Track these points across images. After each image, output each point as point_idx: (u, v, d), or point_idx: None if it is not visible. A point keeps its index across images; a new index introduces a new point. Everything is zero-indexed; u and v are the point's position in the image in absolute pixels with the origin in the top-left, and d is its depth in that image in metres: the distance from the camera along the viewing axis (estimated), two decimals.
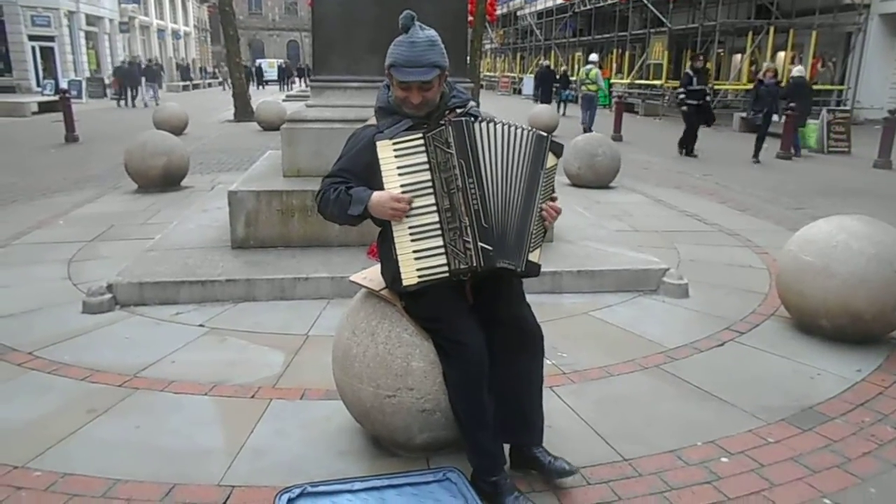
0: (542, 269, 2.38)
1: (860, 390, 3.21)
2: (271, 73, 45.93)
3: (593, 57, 17.78)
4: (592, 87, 15.83)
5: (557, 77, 22.91)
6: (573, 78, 22.30)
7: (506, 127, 2.24)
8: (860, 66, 19.18)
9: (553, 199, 2.36)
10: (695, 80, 12.23)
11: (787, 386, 3.25)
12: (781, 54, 21.38)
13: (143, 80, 26.18)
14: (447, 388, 2.35)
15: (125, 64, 26.88)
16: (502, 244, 2.22)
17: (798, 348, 3.69)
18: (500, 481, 2.28)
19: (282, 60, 49.78)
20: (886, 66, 18.41)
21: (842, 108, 16.61)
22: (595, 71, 16.21)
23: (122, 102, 25.03)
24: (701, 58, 12.93)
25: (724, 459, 2.62)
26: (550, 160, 2.29)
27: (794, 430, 2.84)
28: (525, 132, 2.26)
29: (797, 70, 13.73)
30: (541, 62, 26.91)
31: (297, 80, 44.58)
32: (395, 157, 2.21)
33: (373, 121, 2.44)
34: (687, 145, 12.38)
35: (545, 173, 2.28)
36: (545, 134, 2.30)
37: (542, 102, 20.23)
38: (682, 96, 12.33)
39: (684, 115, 12.39)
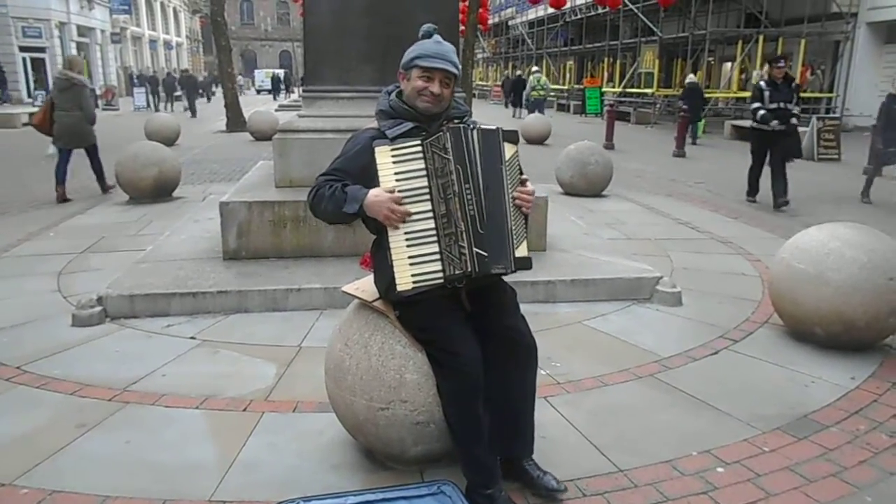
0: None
1: (854, 398, 3.21)
2: (266, 82, 46.75)
3: (536, 68, 23.36)
4: (542, 93, 19.59)
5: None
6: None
7: (474, 131, 2.23)
8: (849, 74, 19.35)
9: (523, 182, 2.35)
10: (767, 94, 7.95)
11: (781, 394, 3.24)
12: None
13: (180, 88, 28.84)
14: (441, 400, 2.33)
15: (162, 73, 30.56)
16: (494, 248, 2.22)
17: (792, 356, 3.69)
18: (494, 494, 2.26)
19: (283, 70, 50.20)
20: (874, 74, 18.58)
21: (831, 115, 16.73)
22: (543, 78, 20.09)
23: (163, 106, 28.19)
24: (783, 61, 8.17)
25: (719, 469, 2.61)
26: (508, 150, 2.28)
27: (789, 439, 2.83)
28: (485, 132, 2.25)
29: (691, 77, 16.67)
30: (513, 73, 30.10)
31: (295, 90, 44.71)
32: (393, 162, 2.20)
33: (373, 124, 2.43)
34: (752, 183, 8.58)
35: (507, 165, 2.27)
36: (494, 127, 2.29)
37: (513, 107, 24.33)
38: (761, 112, 7.95)
39: (753, 140, 8.48)
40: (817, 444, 2.80)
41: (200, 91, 33.51)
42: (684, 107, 14.23)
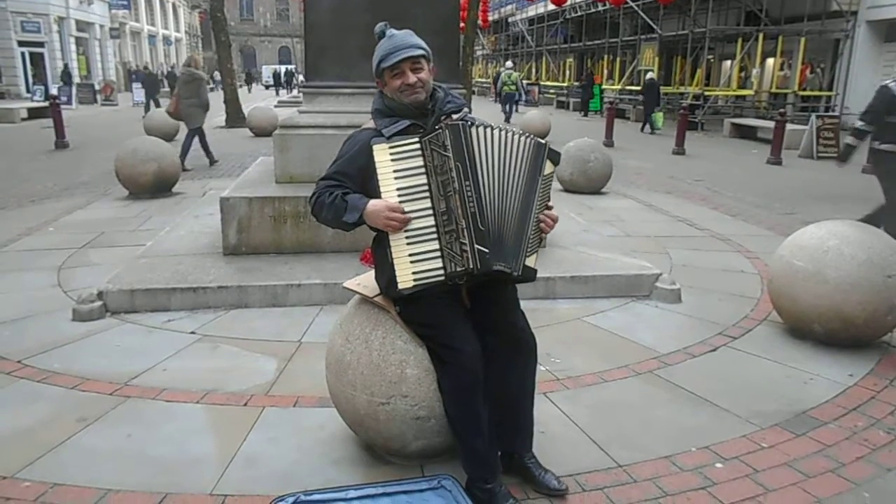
0: (536, 275, 2.38)
1: (853, 395, 3.22)
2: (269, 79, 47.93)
3: (509, 63, 24.43)
4: (512, 88, 20.62)
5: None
6: (525, 82, 29.27)
7: (504, 132, 2.25)
8: (848, 73, 19.33)
9: (549, 208, 2.36)
10: None
11: (780, 391, 3.26)
12: (771, 60, 21.53)
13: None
14: (441, 395, 2.34)
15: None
16: (499, 247, 2.22)
17: (790, 353, 3.70)
18: (494, 488, 2.27)
19: (289, 66, 50.36)
20: (874, 72, 18.54)
21: (830, 113, 16.72)
22: (515, 74, 21.27)
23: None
24: None
25: (718, 465, 2.62)
26: (548, 167, 2.31)
27: (787, 435, 2.85)
28: (524, 138, 2.27)
29: (650, 73, 18.99)
30: (502, 68, 30.67)
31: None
32: (392, 160, 2.21)
33: (370, 124, 2.44)
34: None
35: (543, 180, 2.29)
36: (543, 141, 2.31)
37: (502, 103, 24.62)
38: (858, 125, 5.85)
39: (877, 164, 6.02)
40: (815, 440, 2.81)
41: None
42: (644, 100, 16.46)
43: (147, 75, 26.31)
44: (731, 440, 2.80)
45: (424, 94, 2.36)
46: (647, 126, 17.79)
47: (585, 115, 23.35)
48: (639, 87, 24.52)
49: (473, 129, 2.21)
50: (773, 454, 2.70)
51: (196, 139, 10.34)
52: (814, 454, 2.71)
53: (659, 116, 18.10)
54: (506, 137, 2.24)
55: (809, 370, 3.49)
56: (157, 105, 21.30)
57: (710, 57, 23.33)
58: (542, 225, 2.32)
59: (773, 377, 3.42)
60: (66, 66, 28.39)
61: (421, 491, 2.30)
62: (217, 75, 31.05)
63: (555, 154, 2.33)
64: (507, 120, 19.59)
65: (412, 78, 2.33)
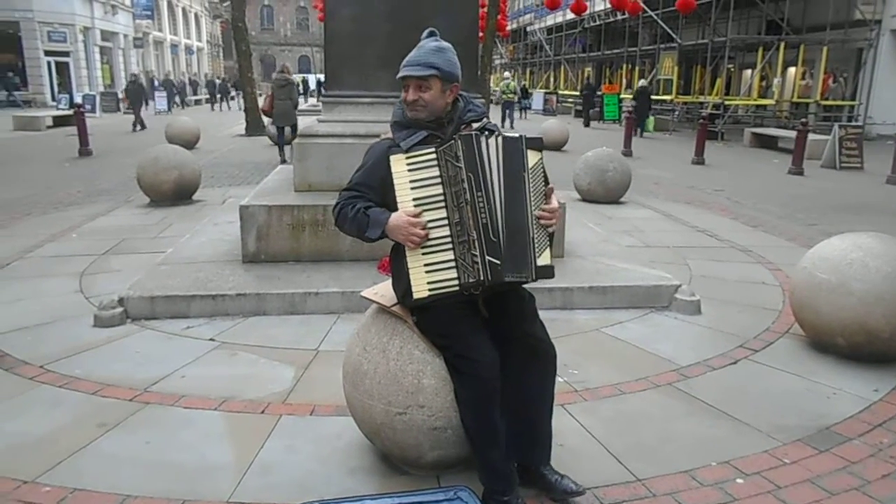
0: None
1: (878, 410, 3.16)
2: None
3: (507, 73, 26.49)
4: (511, 96, 21.73)
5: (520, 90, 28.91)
6: (531, 91, 31.69)
7: (498, 138, 2.24)
8: (872, 82, 19.10)
9: (548, 194, 2.33)
10: None
11: (802, 405, 3.20)
12: (792, 70, 21.34)
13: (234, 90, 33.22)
14: (458, 406, 2.33)
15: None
16: (510, 256, 2.21)
17: (813, 367, 3.64)
18: (511, 500, 2.26)
19: (317, 76, 50.35)
20: None
21: (854, 123, 16.51)
22: (512, 83, 22.24)
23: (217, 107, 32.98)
24: None
25: (739, 480, 2.58)
26: (532, 157, 2.27)
27: (810, 451, 2.79)
28: (506, 139, 2.25)
29: (642, 82, 21.06)
30: (522, 78, 33.64)
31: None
32: (409, 170, 2.22)
33: (389, 134, 2.45)
34: None
35: (530, 172, 2.25)
36: (518, 135, 2.28)
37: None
38: None
39: None
40: (839, 456, 2.76)
41: (219, 95, 34.87)
42: (634, 106, 17.32)
43: (166, 83, 27.07)
44: (753, 455, 2.75)
45: (425, 113, 2.34)
46: (639, 130, 18.76)
47: (587, 125, 23.25)
48: (660, 97, 24.54)
49: (484, 140, 2.21)
50: (795, 470, 2.66)
51: (280, 135, 12.31)
52: (838, 471, 2.65)
53: (650, 121, 20.02)
54: (499, 143, 2.23)
55: (833, 384, 3.42)
56: (182, 107, 22.10)
57: (730, 66, 23.20)
58: (542, 222, 2.29)
59: (795, 391, 3.36)
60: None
61: (437, 502, 2.28)
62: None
63: (534, 141, 2.29)
64: (511, 126, 20.73)
65: (410, 96, 2.34)
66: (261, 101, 15.40)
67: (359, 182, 2.40)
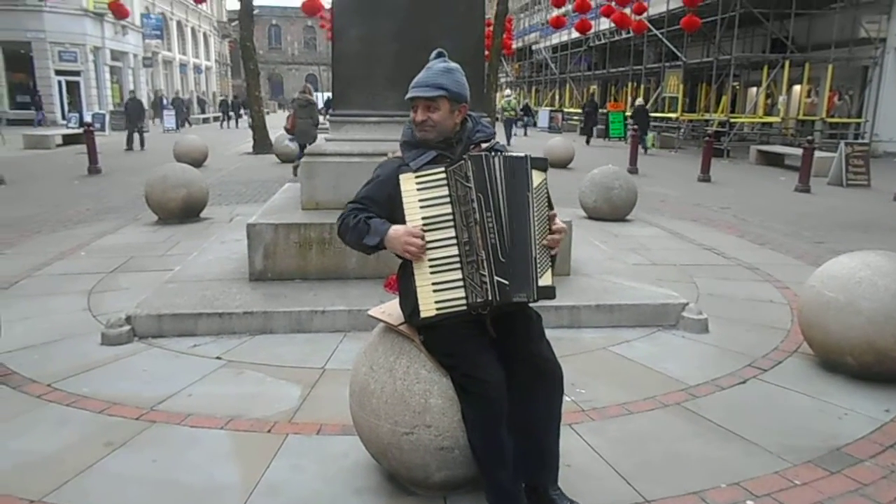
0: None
1: (890, 431, 3.12)
2: None
3: (508, 91, 28.26)
4: (511, 113, 22.77)
5: (522, 108, 30.34)
6: (536, 109, 33.48)
7: (503, 158, 2.25)
8: (877, 100, 19.11)
9: (552, 218, 2.34)
10: None
11: (813, 426, 3.17)
12: (797, 87, 21.39)
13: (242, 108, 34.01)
14: (465, 426, 2.32)
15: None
16: (516, 277, 2.21)
17: (823, 387, 3.61)
18: None
19: (327, 95, 50.45)
20: None
21: (860, 141, 16.50)
22: (513, 101, 23.75)
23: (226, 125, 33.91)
24: None
25: (749, 502, 2.55)
26: (537, 178, 2.27)
27: (821, 473, 2.76)
28: (512, 159, 2.25)
29: (639, 100, 21.55)
30: (524, 97, 35.15)
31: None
32: (418, 189, 2.23)
33: (398, 153, 2.47)
34: None
35: (534, 193, 2.26)
36: (523, 154, 2.28)
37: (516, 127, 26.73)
38: None
39: None
40: (851, 478, 2.73)
41: (230, 114, 35.44)
42: (634, 126, 17.21)
43: (176, 101, 27.29)
44: (763, 476, 2.72)
45: (434, 133, 2.38)
46: (644, 148, 19.27)
47: (588, 142, 23.33)
48: (666, 114, 24.63)
49: (494, 160, 2.22)
50: (806, 492, 2.62)
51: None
52: (850, 493, 2.62)
53: (650, 137, 20.63)
54: (505, 163, 2.24)
55: (843, 405, 3.39)
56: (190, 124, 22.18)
57: (735, 84, 23.25)
58: (546, 243, 2.29)
59: (805, 411, 3.33)
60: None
61: None
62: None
63: (539, 161, 2.30)
64: (507, 143, 20.92)
65: (419, 116, 2.37)
66: (281, 120, 15.91)
67: (365, 196, 2.42)
